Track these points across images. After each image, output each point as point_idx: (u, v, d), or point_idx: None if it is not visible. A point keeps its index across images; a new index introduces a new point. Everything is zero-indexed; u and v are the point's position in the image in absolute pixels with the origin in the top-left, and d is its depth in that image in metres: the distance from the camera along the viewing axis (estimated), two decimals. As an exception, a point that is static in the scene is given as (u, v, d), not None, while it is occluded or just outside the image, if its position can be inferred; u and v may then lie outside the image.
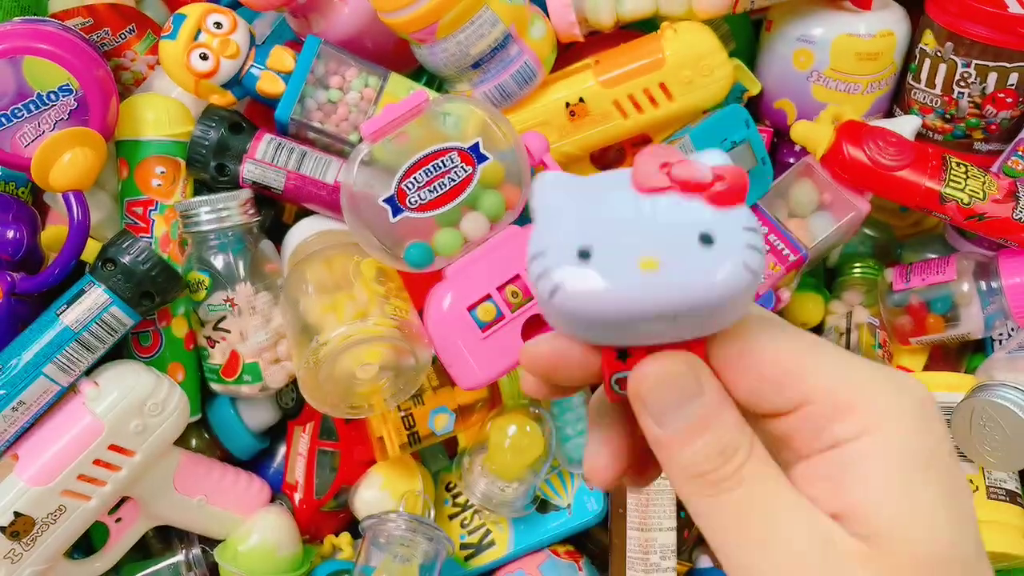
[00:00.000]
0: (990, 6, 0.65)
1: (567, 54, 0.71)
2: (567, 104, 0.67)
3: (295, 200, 0.68)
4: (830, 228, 0.69)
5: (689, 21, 0.67)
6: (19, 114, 0.60)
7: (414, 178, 0.58)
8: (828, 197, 0.69)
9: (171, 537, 0.71)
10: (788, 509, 0.26)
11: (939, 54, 0.69)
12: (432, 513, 0.69)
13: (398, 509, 0.67)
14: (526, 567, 0.70)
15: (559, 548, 0.72)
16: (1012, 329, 0.72)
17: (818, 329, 0.77)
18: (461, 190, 0.59)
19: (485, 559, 0.70)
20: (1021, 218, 0.66)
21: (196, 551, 0.69)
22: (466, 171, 0.59)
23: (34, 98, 0.60)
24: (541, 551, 0.71)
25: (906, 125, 0.70)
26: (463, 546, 0.71)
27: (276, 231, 0.72)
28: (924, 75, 0.70)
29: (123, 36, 0.71)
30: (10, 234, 0.64)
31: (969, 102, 0.69)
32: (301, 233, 0.68)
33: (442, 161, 0.58)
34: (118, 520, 0.66)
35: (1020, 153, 0.70)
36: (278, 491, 0.73)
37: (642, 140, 0.71)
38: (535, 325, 0.60)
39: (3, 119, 0.60)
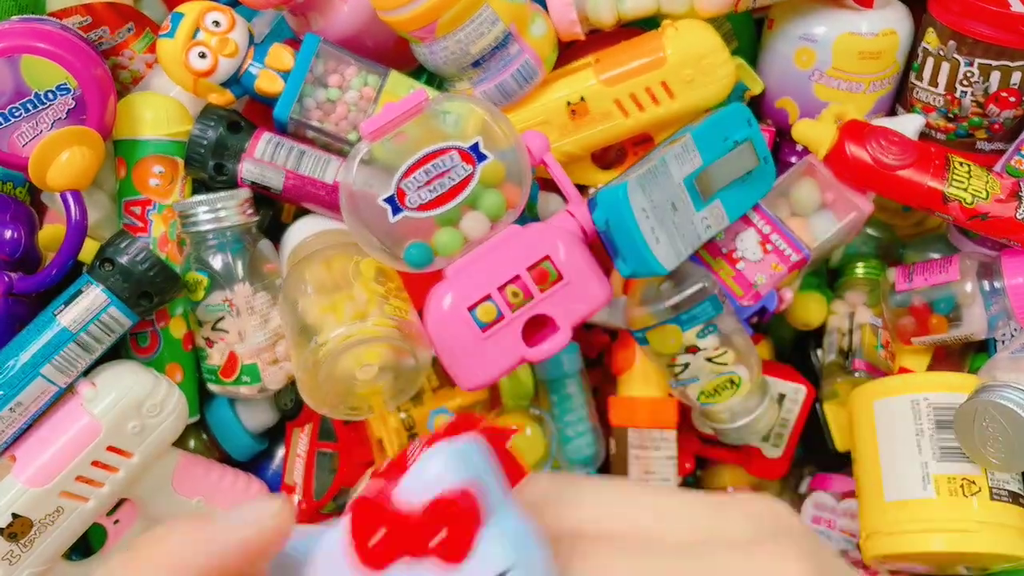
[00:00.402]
0: (993, 5, 0.65)
1: (568, 52, 0.71)
2: (568, 103, 0.67)
3: (294, 200, 0.68)
4: (832, 228, 0.69)
5: (691, 19, 0.67)
6: (17, 113, 0.60)
7: (414, 177, 0.58)
8: (830, 197, 0.69)
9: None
10: None
11: (942, 53, 0.69)
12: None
13: None
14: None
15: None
16: (1015, 329, 0.72)
17: (820, 330, 0.77)
18: (461, 189, 0.59)
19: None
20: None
21: None
22: (466, 170, 0.59)
23: (32, 97, 0.60)
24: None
25: (909, 124, 0.70)
26: (463, 547, 0.70)
27: (275, 231, 0.72)
28: (927, 74, 0.70)
29: (121, 35, 0.71)
30: (8, 234, 0.64)
31: (972, 101, 0.69)
32: (300, 233, 0.68)
33: (442, 160, 0.58)
34: (116, 522, 0.66)
35: (1023, 152, 0.70)
36: (277, 492, 0.72)
37: (643, 139, 0.70)
38: (535, 325, 0.60)
39: (1, 118, 0.60)
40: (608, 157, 0.73)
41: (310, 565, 0.24)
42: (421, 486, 0.23)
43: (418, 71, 0.70)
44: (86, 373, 0.63)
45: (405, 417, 0.67)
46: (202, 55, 0.63)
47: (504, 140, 0.59)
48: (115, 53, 0.72)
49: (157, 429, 0.63)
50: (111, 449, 0.61)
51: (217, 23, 0.64)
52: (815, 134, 0.68)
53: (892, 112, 0.75)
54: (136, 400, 0.62)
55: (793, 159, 0.74)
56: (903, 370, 0.73)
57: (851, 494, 0.74)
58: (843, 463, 0.74)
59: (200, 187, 0.70)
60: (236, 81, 0.65)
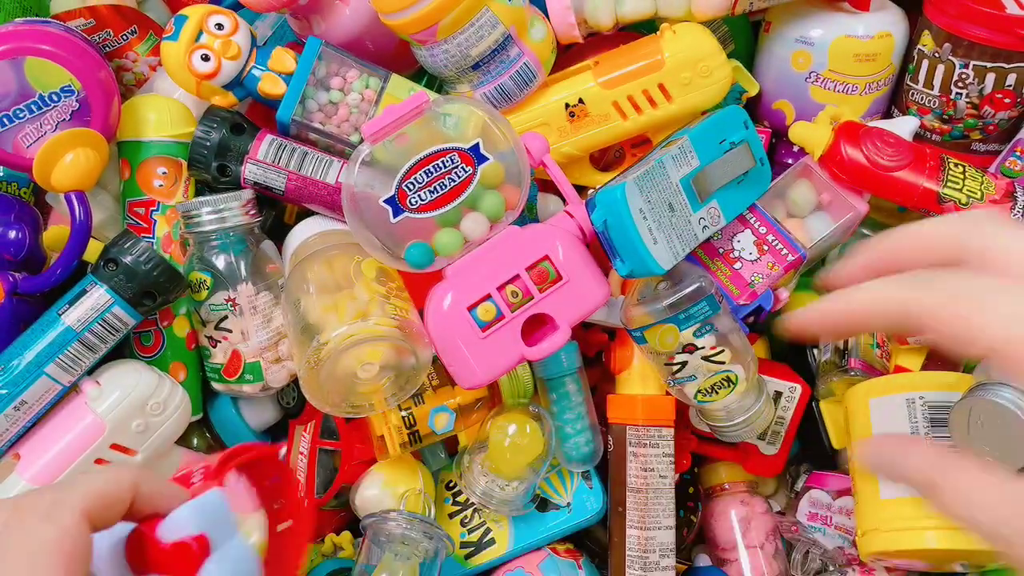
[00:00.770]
0: (988, 7, 0.65)
1: (567, 55, 0.72)
2: (567, 105, 0.67)
3: (296, 201, 0.68)
4: (828, 228, 0.69)
5: (688, 23, 0.67)
6: (21, 115, 0.60)
7: (415, 179, 0.59)
8: (826, 197, 0.70)
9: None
10: None
11: (937, 55, 0.69)
12: (432, 512, 0.69)
13: (399, 508, 0.67)
14: (526, 565, 0.70)
15: (559, 546, 0.72)
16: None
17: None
18: (461, 191, 0.59)
19: (485, 557, 0.71)
20: (1019, 218, 0.66)
21: None
22: (466, 172, 0.59)
23: (36, 99, 0.60)
24: (541, 549, 0.71)
25: (904, 126, 0.70)
26: (463, 544, 0.71)
27: (277, 231, 0.72)
28: (922, 76, 0.71)
29: (125, 37, 0.71)
30: (12, 234, 0.64)
31: (967, 103, 0.70)
32: (302, 233, 0.69)
33: (442, 162, 0.59)
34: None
35: (1018, 153, 0.71)
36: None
37: (641, 141, 0.71)
38: (535, 324, 0.60)
39: (5, 119, 0.60)
40: (606, 158, 0.73)
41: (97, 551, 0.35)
42: (174, 527, 0.37)
43: (419, 74, 0.71)
44: (90, 372, 0.63)
45: (406, 415, 0.67)
46: (205, 58, 0.64)
47: (504, 142, 0.60)
48: (119, 55, 0.72)
49: (161, 427, 0.63)
50: (115, 447, 0.62)
51: (220, 26, 0.64)
52: (811, 136, 0.68)
53: (888, 114, 0.75)
54: (140, 399, 0.62)
55: (789, 160, 0.75)
56: (899, 369, 0.74)
57: (847, 492, 0.74)
58: (839, 461, 0.75)
59: (203, 188, 0.70)
60: (239, 83, 0.66)
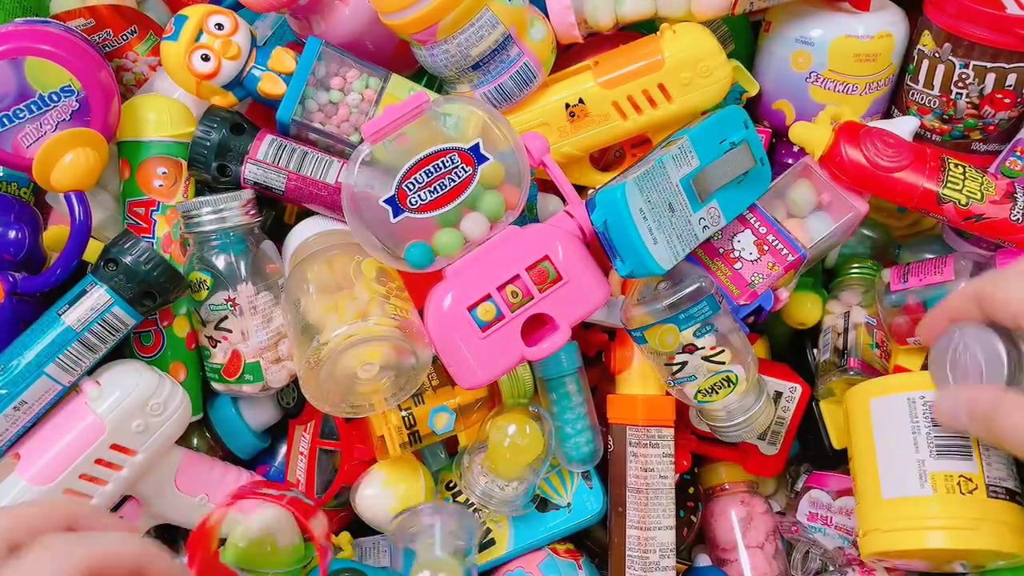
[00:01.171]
0: (988, 7, 0.65)
1: (567, 55, 0.72)
2: (567, 105, 0.67)
3: (296, 201, 0.68)
4: (828, 228, 0.69)
5: (688, 23, 0.67)
6: (21, 115, 0.60)
7: (415, 179, 0.59)
8: (826, 198, 0.70)
9: (174, 539, 0.71)
10: None
11: (937, 55, 0.69)
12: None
13: (415, 506, 0.67)
14: (526, 566, 0.70)
15: (559, 547, 0.72)
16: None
17: (815, 329, 0.77)
18: (461, 191, 0.59)
19: (485, 558, 0.71)
20: (1018, 219, 0.66)
21: None
22: (466, 172, 0.59)
23: (36, 99, 0.60)
24: (541, 550, 0.71)
25: (904, 126, 0.70)
26: (463, 545, 0.71)
27: (277, 231, 0.72)
28: (922, 76, 0.70)
29: (125, 37, 0.71)
30: (12, 234, 0.64)
31: (967, 103, 0.70)
32: (302, 233, 0.69)
33: (442, 162, 0.59)
34: (120, 519, 0.66)
35: (1018, 154, 0.71)
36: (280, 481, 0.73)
37: (641, 141, 0.71)
38: (535, 324, 0.60)
39: (5, 119, 0.60)
40: (606, 158, 0.73)
41: None
42: None
43: (419, 74, 0.71)
44: (90, 372, 0.63)
45: (406, 415, 0.67)
46: (205, 58, 0.64)
47: (504, 142, 0.60)
48: (119, 55, 0.72)
49: (161, 427, 0.63)
50: (115, 447, 0.62)
51: (220, 26, 0.64)
52: (811, 136, 0.68)
53: (888, 114, 0.75)
54: (140, 399, 0.62)
55: (789, 160, 0.75)
56: (899, 369, 0.74)
57: (847, 492, 0.74)
58: (839, 461, 0.75)
59: (203, 188, 0.70)
60: (239, 83, 0.66)
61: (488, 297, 0.59)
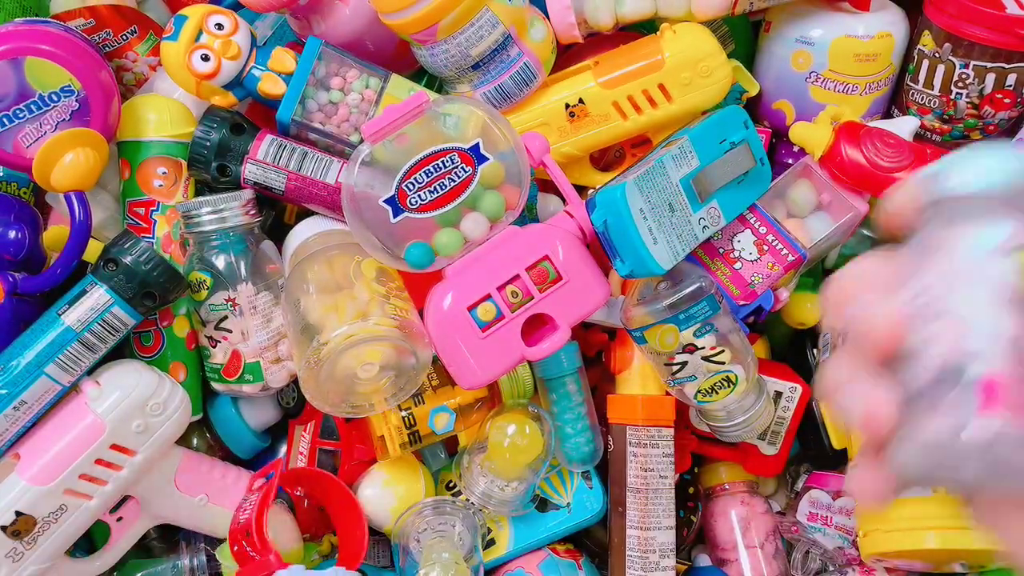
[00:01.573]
0: (988, 7, 0.65)
1: (567, 55, 0.72)
2: (567, 105, 0.67)
3: (296, 201, 0.68)
4: (828, 229, 0.69)
5: (688, 23, 0.67)
6: (21, 115, 0.60)
7: (415, 179, 0.59)
8: (826, 198, 0.70)
9: (174, 540, 0.71)
10: None
11: (937, 55, 0.69)
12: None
13: (418, 505, 0.67)
14: (526, 566, 0.70)
15: (559, 546, 0.72)
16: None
17: (815, 329, 0.77)
18: (461, 191, 0.59)
19: (485, 558, 0.71)
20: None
21: (201, 558, 0.69)
22: (466, 172, 0.59)
23: (36, 99, 0.60)
24: (541, 549, 0.71)
25: (904, 126, 0.70)
26: (463, 545, 0.71)
27: (277, 231, 0.72)
28: (922, 76, 0.70)
29: (125, 37, 0.71)
30: (12, 234, 0.64)
31: (967, 103, 0.70)
32: (302, 233, 0.69)
33: (442, 162, 0.59)
34: (119, 519, 0.66)
35: (1018, 154, 0.71)
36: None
37: (641, 141, 0.71)
38: (535, 324, 0.60)
39: (5, 120, 0.60)
40: (606, 159, 0.73)
41: None
42: None
43: (419, 73, 0.71)
44: (90, 372, 0.63)
45: (406, 415, 0.67)
46: (205, 58, 0.64)
47: (504, 142, 0.60)
48: (119, 55, 0.72)
49: (160, 427, 0.63)
50: (115, 447, 0.62)
51: (220, 26, 0.64)
52: (811, 136, 0.68)
53: (888, 114, 0.75)
54: (140, 399, 0.62)
55: (789, 160, 0.75)
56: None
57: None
58: (839, 461, 0.75)
59: (203, 188, 0.70)
60: (239, 83, 0.65)
61: (488, 297, 0.59)
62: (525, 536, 0.71)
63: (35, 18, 0.66)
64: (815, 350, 0.77)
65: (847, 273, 0.34)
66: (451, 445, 0.74)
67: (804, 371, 0.76)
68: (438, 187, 0.59)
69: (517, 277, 0.60)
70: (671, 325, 0.62)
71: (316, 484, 0.70)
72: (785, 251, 0.67)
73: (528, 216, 0.71)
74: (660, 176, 0.61)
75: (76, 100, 0.61)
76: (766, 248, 0.68)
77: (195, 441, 0.72)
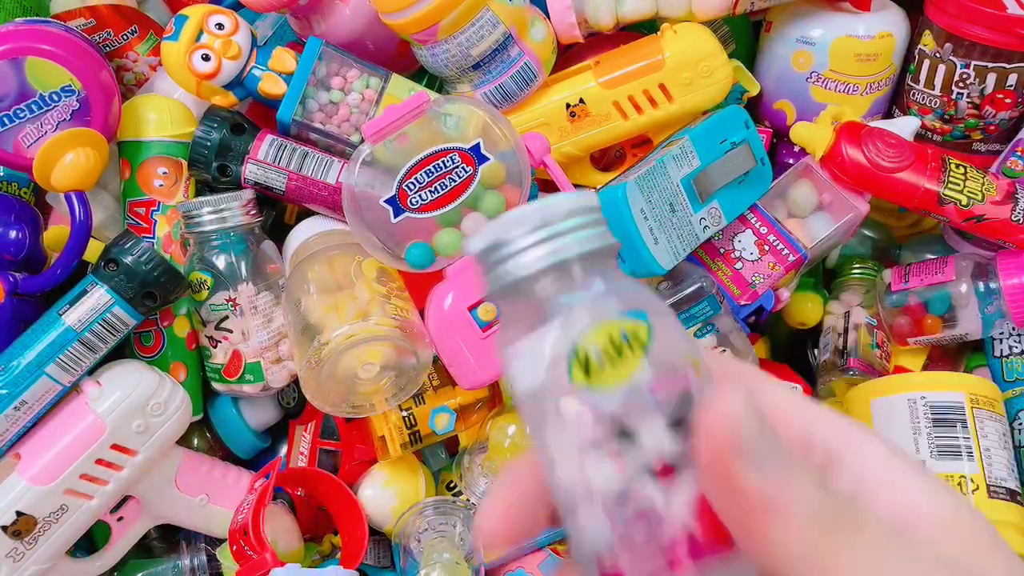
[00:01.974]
0: (989, 7, 0.65)
1: (567, 55, 0.71)
2: (567, 105, 0.67)
3: (296, 201, 0.68)
4: (829, 228, 0.69)
5: (689, 22, 0.67)
6: (21, 114, 0.60)
7: (415, 179, 0.59)
8: (827, 198, 0.70)
9: (175, 540, 0.71)
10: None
11: (938, 55, 0.69)
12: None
13: (418, 505, 0.67)
14: (527, 566, 0.70)
15: (559, 546, 0.72)
16: (1011, 329, 0.72)
17: (816, 329, 0.77)
18: (462, 191, 0.59)
19: (485, 558, 0.70)
20: (1019, 219, 0.66)
21: (202, 558, 0.69)
22: (467, 172, 0.59)
23: (36, 99, 0.60)
24: (541, 549, 0.71)
25: (905, 126, 0.70)
26: (464, 545, 0.71)
27: (278, 231, 0.72)
28: (923, 76, 0.70)
29: (125, 37, 0.71)
30: (12, 234, 0.64)
31: (968, 103, 0.69)
32: (303, 233, 0.69)
33: (443, 162, 0.59)
34: (120, 519, 0.66)
35: (1019, 154, 0.71)
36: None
37: (642, 141, 0.71)
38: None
39: (5, 119, 0.60)
40: (607, 158, 0.73)
41: None
42: None
43: (419, 73, 0.71)
44: (91, 372, 0.63)
45: (407, 415, 0.67)
46: (205, 57, 0.64)
47: (504, 142, 0.60)
48: (119, 55, 0.72)
49: (161, 428, 0.63)
50: (115, 447, 0.62)
51: (220, 26, 0.64)
52: (812, 136, 0.68)
53: (889, 114, 0.75)
54: (140, 399, 0.62)
55: (790, 160, 0.75)
56: (899, 369, 0.73)
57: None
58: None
59: (204, 188, 0.70)
60: (239, 83, 0.65)
61: (489, 297, 0.59)
62: (525, 536, 0.71)
63: (35, 18, 0.66)
64: (816, 350, 0.77)
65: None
66: (451, 445, 0.74)
67: (805, 371, 0.76)
68: (439, 187, 0.59)
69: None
70: (672, 325, 0.62)
71: (316, 484, 0.70)
72: (786, 251, 0.67)
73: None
74: (661, 176, 0.61)
75: (77, 100, 0.61)
76: (767, 248, 0.68)
77: (195, 441, 0.72)
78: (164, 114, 0.67)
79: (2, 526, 0.59)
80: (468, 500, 0.70)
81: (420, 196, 0.59)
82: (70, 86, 0.60)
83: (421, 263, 0.60)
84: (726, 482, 0.23)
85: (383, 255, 0.60)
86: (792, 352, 0.80)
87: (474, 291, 0.59)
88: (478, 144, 0.59)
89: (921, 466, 0.28)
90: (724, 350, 0.63)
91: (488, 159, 0.59)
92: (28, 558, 0.61)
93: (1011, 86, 0.68)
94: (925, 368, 0.74)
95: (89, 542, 0.69)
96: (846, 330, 0.74)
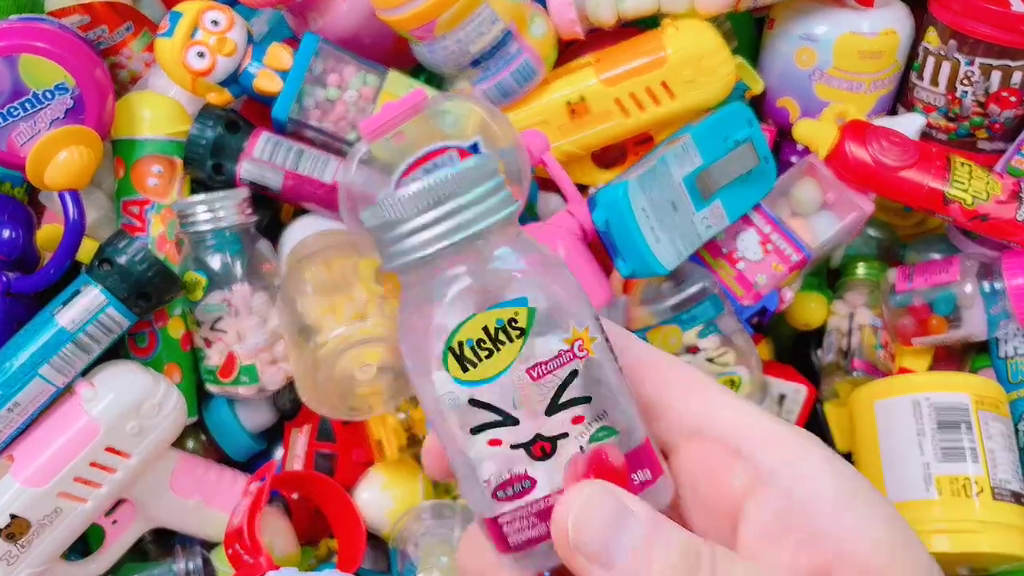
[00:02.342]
0: (994, 4, 0.65)
1: (568, 52, 0.71)
2: (568, 102, 0.66)
3: (293, 199, 0.68)
4: (833, 228, 0.69)
5: (691, 19, 0.66)
6: (15, 112, 0.60)
7: (413, 177, 0.58)
8: (831, 197, 0.69)
9: (170, 544, 0.71)
10: None
11: (942, 52, 0.68)
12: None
13: (416, 508, 0.67)
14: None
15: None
16: (1016, 330, 0.72)
17: (820, 330, 0.76)
18: (460, 189, 0.59)
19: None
20: (1025, 220, 0.66)
21: (197, 561, 0.68)
22: (466, 170, 0.59)
23: (30, 96, 0.60)
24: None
25: (910, 124, 0.70)
26: (462, 548, 0.70)
27: (273, 230, 0.72)
28: (927, 73, 0.70)
29: (120, 34, 0.71)
30: (5, 234, 0.63)
31: (973, 101, 0.69)
32: (299, 233, 0.68)
33: (441, 160, 0.58)
34: (114, 522, 0.66)
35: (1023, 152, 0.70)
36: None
37: (644, 139, 0.70)
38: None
39: (-1, 117, 0.60)
40: (608, 157, 0.73)
41: None
42: None
43: (417, 70, 0.70)
44: (84, 373, 0.63)
45: (404, 418, 0.67)
46: (200, 54, 0.63)
47: (503, 139, 0.59)
48: (114, 52, 0.72)
49: (156, 430, 0.62)
50: (109, 450, 0.61)
51: (216, 22, 0.64)
52: (816, 134, 0.68)
53: (893, 111, 0.75)
54: (135, 401, 0.61)
55: (794, 159, 0.74)
56: (904, 370, 0.73)
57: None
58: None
59: (199, 187, 0.70)
60: (235, 80, 0.65)
61: (488, 297, 0.59)
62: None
63: (30, 15, 0.66)
64: (819, 351, 0.77)
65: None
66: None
67: (809, 372, 0.75)
68: (437, 185, 0.58)
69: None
70: (674, 326, 0.62)
71: (313, 487, 0.69)
72: (790, 251, 0.67)
73: (528, 215, 0.70)
74: (663, 175, 0.60)
75: (71, 98, 0.61)
76: (770, 248, 0.67)
77: (190, 444, 0.72)
78: (159, 112, 0.67)
79: (-5, 529, 0.59)
80: (466, 504, 0.69)
81: (418, 195, 0.58)
82: (64, 84, 0.60)
83: (419, 263, 0.60)
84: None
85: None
86: (796, 353, 0.79)
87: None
88: (477, 142, 0.59)
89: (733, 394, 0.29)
90: (726, 351, 0.62)
91: (487, 157, 0.59)
92: (22, 561, 0.61)
93: (1016, 84, 0.68)
94: (930, 369, 0.74)
95: (83, 545, 0.69)
96: (850, 331, 0.74)
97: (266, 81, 0.65)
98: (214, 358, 0.67)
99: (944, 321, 0.70)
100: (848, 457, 0.72)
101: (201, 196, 0.65)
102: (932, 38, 0.69)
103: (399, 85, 0.66)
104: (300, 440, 0.73)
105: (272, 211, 0.75)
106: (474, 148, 0.59)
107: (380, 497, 0.68)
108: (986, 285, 0.69)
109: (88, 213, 0.64)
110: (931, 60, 0.69)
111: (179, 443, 0.68)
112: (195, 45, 0.63)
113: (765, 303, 0.67)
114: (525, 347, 0.25)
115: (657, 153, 0.63)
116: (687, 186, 0.62)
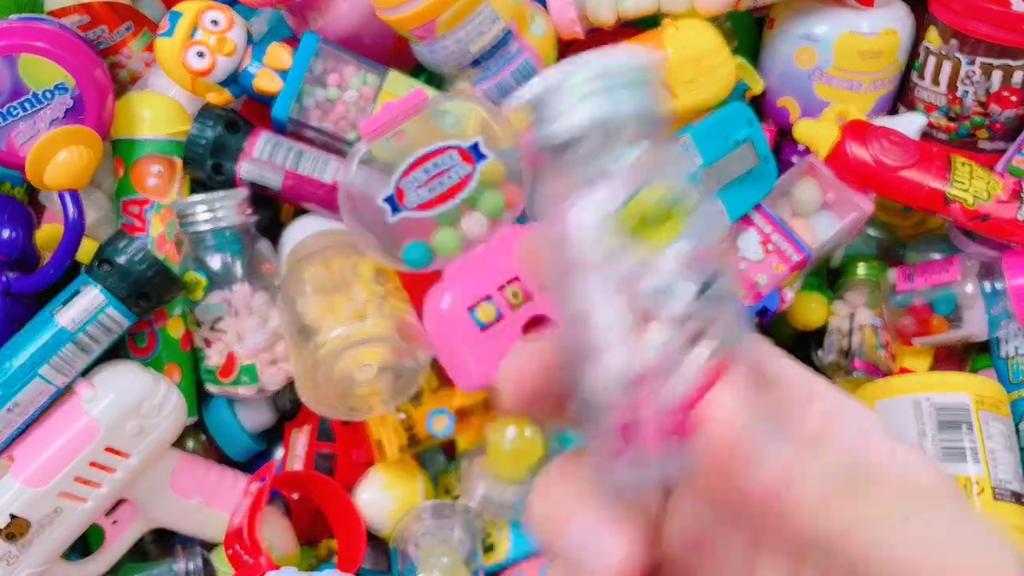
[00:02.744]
0: (995, 4, 0.65)
1: (568, 51, 0.71)
2: (568, 102, 0.66)
3: (292, 199, 0.68)
4: (834, 228, 0.69)
5: (691, 19, 0.66)
6: (15, 112, 0.60)
7: (413, 177, 0.58)
8: (832, 197, 0.69)
9: (170, 544, 0.71)
10: None
11: (943, 52, 0.68)
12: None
13: (416, 509, 0.67)
14: (526, 571, 0.69)
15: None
16: (1016, 330, 0.71)
17: (821, 330, 0.76)
18: (460, 189, 0.59)
19: (484, 562, 0.70)
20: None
21: (197, 562, 0.68)
22: (466, 170, 0.59)
23: (30, 96, 0.60)
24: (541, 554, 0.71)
25: (910, 124, 0.70)
26: (463, 549, 0.70)
27: (273, 230, 0.72)
28: (928, 73, 0.70)
29: (120, 34, 0.71)
30: (5, 234, 0.63)
31: (974, 100, 0.69)
32: (299, 233, 0.68)
33: (441, 159, 0.58)
34: (114, 522, 0.66)
35: (1024, 152, 0.70)
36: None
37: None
38: (535, 326, 0.60)
39: (-2, 117, 0.60)
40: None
41: None
42: None
43: (417, 70, 0.70)
44: (84, 373, 0.63)
45: (404, 418, 0.66)
46: (200, 54, 0.63)
47: (504, 139, 0.59)
48: (113, 52, 0.71)
49: (156, 430, 0.62)
50: (109, 450, 0.61)
51: (215, 22, 0.64)
52: (816, 134, 0.68)
53: (893, 111, 0.75)
54: (135, 401, 0.61)
55: (794, 159, 0.74)
56: (904, 370, 0.73)
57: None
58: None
59: (198, 187, 0.69)
60: (234, 80, 0.65)
61: (488, 297, 0.59)
62: (525, 541, 0.70)
63: (30, 15, 0.65)
64: (820, 351, 0.77)
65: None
66: (450, 448, 0.73)
67: (809, 372, 0.75)
68: (437, 185, 0.58)
69: (517, 277, 0.59)
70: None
71: (313, 487, 0.69)
72: (790, 251, 0.67)
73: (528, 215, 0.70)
74: (663, 174, 0.60)
75: (70, 97, 0.60)
76: (771, 248, 0.67)
77: (190, 444, 0.72)
78: (158, 112, 0.67)
79: (-5, 529, 0.59)
80: (467, 504, 0.69)
81: (418, 195, 0.58)
82: (64, 84, 0.60)
83: (419, 263, 0.60)
84: (732, 481, 0.23)
85: (380, 254, 0.59)
86: (796, 354, 0.79)
87: (473, 291, 0.59)
88: (477, 142, 0.58)
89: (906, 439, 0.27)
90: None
91: (487, 157, 0.59)
92: (22, 561, 0.61)
93: (1017, 84, 0.67)
94: (931, 369, 0.74)
95: (83, 545, 0.69)
96: (851, 331, 0.73)
97: (266, 81, 0.65)
98: (214, 358, 0.67)
99: (945, 321, 0.70)
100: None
101: (201, 196, 0.65)
102: (933, 38, 0.69)
103: (399, 85, 0.66)
104: (300, 440, 0.72)
105: (272, 211, 0.75)
106: (475, 148, 0.59)
107: (380, 497, 0.68)
108: (987, 285, 0.69)
109: (88, 213, 0.64)
110: (932, 60, 0.69)
111: (179, 443, 0.68)
112: (195, 45, 0.63)
113: (766, 303, 0.67)
114: (689, 230, 0.24)
115: (657, 153, 0.63)
116: (687, 186, 0.61)
